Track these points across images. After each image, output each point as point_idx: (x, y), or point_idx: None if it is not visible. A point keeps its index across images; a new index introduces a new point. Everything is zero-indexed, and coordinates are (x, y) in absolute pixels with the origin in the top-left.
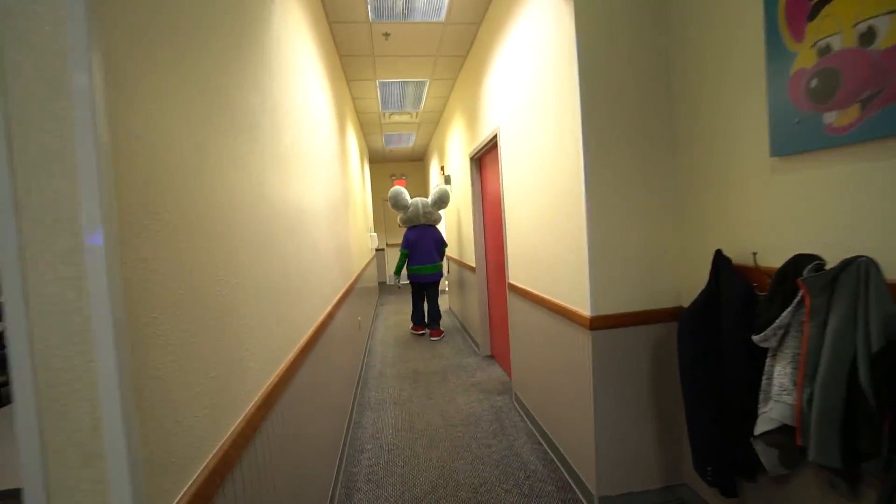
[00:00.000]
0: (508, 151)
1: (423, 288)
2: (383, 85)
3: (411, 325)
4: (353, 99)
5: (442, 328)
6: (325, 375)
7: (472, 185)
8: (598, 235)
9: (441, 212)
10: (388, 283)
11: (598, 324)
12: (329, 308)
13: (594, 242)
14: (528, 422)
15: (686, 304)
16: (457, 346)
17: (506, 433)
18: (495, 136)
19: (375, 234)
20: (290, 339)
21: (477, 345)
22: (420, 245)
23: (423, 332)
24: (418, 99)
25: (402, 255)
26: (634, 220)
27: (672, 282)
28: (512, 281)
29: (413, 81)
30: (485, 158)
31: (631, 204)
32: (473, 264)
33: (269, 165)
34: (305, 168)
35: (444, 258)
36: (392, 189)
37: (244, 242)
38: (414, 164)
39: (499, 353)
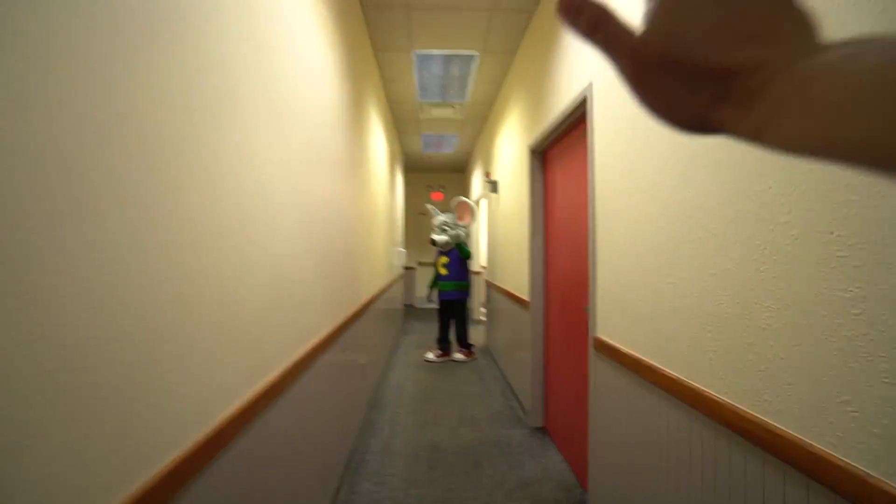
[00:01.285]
0: (608, 123)
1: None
2: (421, 60)
3: (440, 352)
4: (385, 81)
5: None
6: (265, 479)
7: (533, 187)
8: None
9: (463, 230)
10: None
11: None
12: (295, 359)
13: None
14: None
15: None
16: (495, 407)
17: None
18: (583, 103)
19: (404, 250)
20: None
21: (524, 409)
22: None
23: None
24: (463, 84)
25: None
26: None
27: None
28: (602, 336)
29: (459, 56)
30: (554, 149)
31: None
32: (525, 297)
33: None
34: (260, 135)
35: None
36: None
37: None
38: (454, 175)
39: (557, 428)
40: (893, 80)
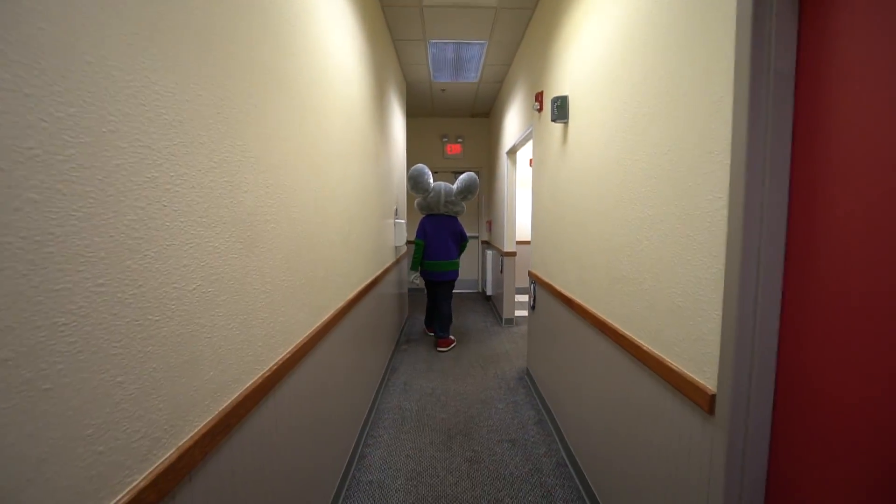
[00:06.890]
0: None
1: (436, 287)
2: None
3: (424, 328)
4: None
5: (453, 336)
6: None
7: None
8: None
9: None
10: (409, 281)
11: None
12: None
13: None
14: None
15: None
16: (535, 461)
17: None
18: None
19: (403, 221)
20: None
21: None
22: (437, 237)
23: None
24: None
25: (416, 246)
26: None
27: None
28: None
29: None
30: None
31: None
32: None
33: None
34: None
35: (462, 253)
36: (414, 168)
37: None
38: (475, 121)
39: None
40: None
